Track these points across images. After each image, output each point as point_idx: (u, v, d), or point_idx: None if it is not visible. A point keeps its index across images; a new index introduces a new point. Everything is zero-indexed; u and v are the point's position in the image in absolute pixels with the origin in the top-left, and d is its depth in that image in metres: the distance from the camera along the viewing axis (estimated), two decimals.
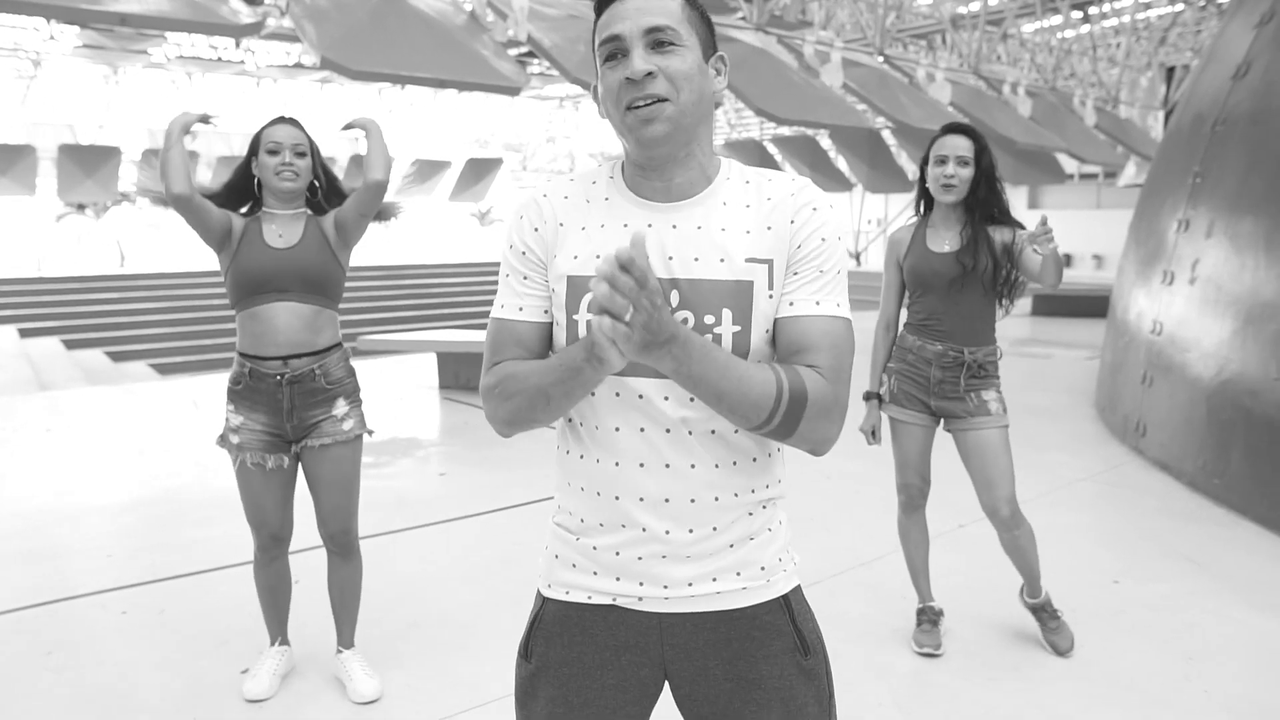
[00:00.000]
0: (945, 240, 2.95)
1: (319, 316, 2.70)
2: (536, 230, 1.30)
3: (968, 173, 2.87)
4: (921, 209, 3.07)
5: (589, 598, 1.32)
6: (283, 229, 2.71)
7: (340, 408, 2.73)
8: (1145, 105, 21.09)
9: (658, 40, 1.20)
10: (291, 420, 2.70)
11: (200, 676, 2.94)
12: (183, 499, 4.85)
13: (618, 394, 1.25)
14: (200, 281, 22.31)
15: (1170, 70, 20.13)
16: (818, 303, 1.25)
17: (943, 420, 3.07)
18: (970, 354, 2.95)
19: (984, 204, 2.91)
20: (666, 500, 1.25)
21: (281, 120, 2.75)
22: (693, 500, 1.26)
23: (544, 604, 1.37)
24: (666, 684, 1.35)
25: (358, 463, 2.80)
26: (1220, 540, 4.25)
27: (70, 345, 17.15)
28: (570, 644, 1.33)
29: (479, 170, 28.44)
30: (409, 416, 6.95)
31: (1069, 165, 23.69)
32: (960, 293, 2.92)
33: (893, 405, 3.10)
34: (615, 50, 1.21)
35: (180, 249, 36.20)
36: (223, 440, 2.75)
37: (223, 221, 2.69)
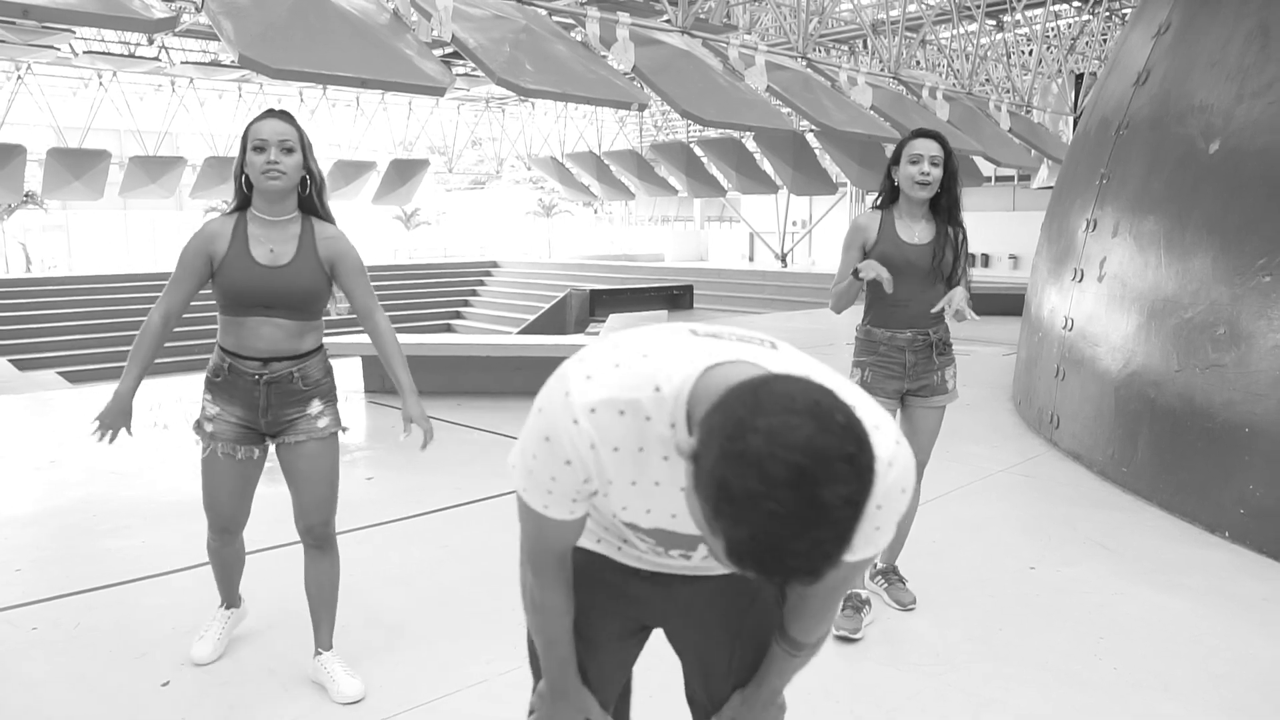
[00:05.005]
0: (915, 232, 3.17)
1: (304, 328, 2.71)
2: (586, 481, 1.21)
3: (938, 172, 3.11)
4: (880, 202, 3.27)
5: (598, 542, 1.47)
6: (274, 243, 2.63)
7: (315, 407, 2.75)
8: (1056, 110, 21.84)
9: None
10: (266, 417, 2.71)
11: (118, 691, 2.84)
12: (96, 509, 4.68)
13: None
14: (112, 286, 21.47)
15: (1079, 77, 20.94)
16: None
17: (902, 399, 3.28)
18: (934, 334, 3.22)
19: (949, 197, 3.17)
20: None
21: (269, 114, 2.64)
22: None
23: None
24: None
25: (335, 457, 2.82)
26: (1128, 525, 4.45)
27: None
28: (581, 586, 1.46)
29: (404, 172, 28.02)
30: None
31: (986, 168, 24.41)
32: (926, 279, 3.17)
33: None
34: None
35: (89, 252, 34.86)
36: (198, 427, 2.76)
37: (203, 275, 2.66)
